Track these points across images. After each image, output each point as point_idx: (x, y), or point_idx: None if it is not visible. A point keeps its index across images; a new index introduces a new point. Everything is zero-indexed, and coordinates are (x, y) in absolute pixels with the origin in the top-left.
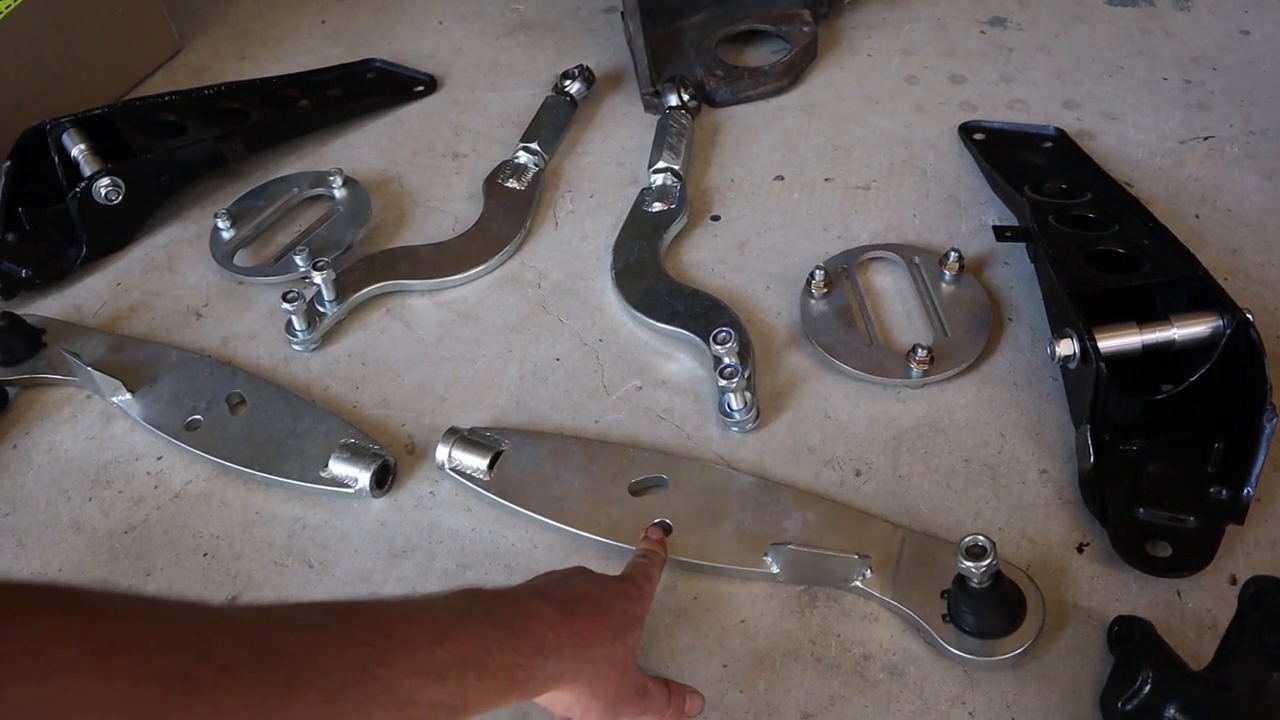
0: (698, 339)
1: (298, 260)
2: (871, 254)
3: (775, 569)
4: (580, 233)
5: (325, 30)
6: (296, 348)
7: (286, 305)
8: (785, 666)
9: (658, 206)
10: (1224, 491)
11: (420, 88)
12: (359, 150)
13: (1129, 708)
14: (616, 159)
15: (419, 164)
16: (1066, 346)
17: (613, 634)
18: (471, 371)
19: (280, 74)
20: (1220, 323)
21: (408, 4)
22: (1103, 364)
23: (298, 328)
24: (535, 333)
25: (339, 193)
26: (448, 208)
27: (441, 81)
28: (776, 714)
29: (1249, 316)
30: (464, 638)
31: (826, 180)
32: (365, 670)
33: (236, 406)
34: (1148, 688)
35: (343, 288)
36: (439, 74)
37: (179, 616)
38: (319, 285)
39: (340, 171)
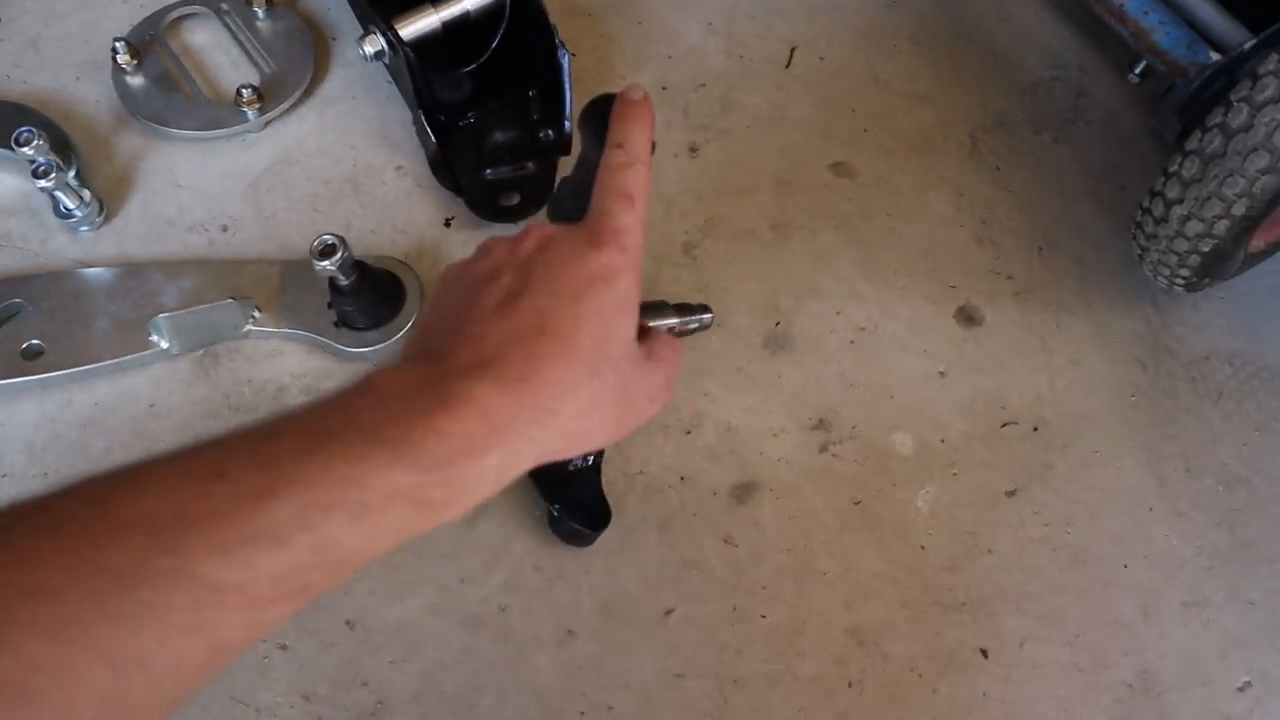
0: (9, 152)
1: None
2: (175, 13)
3: (164, 344)
4: None
5: None
6: None
7: None
8: (207, 429)
9: None
10: (549, 132)
11: None
12: None
13: None
14: None
15: None
16: (372, 43)
17: (587, 367)
18: None
19: None
20: None
21: None
22: (409, 50)
23: None
24: None
25: None
26: None
27: None
28: None
29: None
30: (314, 475)
31: None
32: (130, 572)
33: None
34: None
35: None
36: None
37: None
38: None
39: None
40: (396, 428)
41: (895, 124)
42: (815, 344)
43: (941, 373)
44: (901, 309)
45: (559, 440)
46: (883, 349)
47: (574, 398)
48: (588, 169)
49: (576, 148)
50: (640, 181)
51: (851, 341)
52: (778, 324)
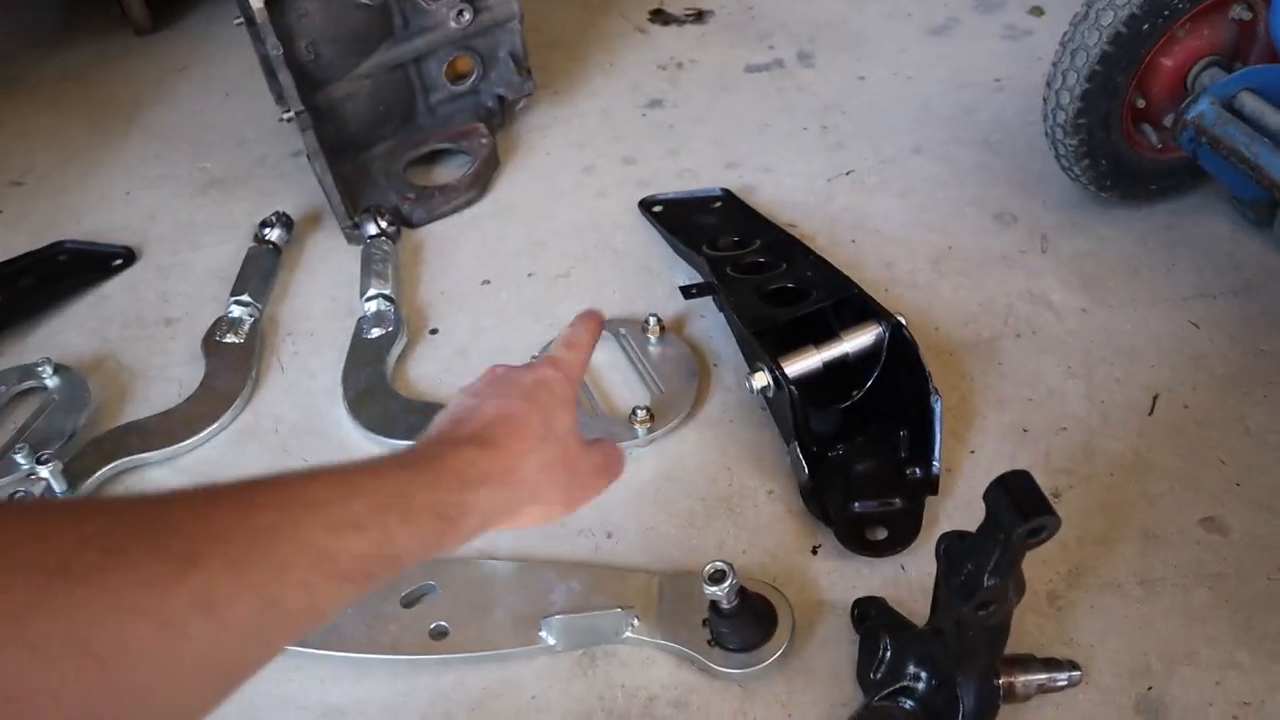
0: None
1: (19, 459)
2: None
3: (552, 640)
4: (308, 372)
5: (4, 220)
6: None
7: None
8: None
9: (376, 332)
10: (917, 471)
11: (118, 261)
12: (65, 335)
13: (879, 675)
14: (329, 294)
15: (131, 336)
16: (760, 379)
17: (536, 439)
18: None
19: None
20: (880, 329)
21: (91, 180)
22: (793, 387)
23: None
24: None
25: (51, 381)
26: (169, 374)
27: (140, 251)
28: None
29: (900, 320)
30: (377, 486)
31: (529, 275)
32: (272, 533)
33: None
34: (888, 653)
35: (75, 476)
36: (135, 244)
37: (49, 510)
38: (47, 479)
39: (48, 360)
40: (424, 463)
41: (1271, 479)
42: (1193, 716)
43: None
44: None
45: (525, 491)
46: None
47: (530, 458)
48: (984, 544)
49: (946, 488)
50: (581, 333)
51: (1235, 718)
52: (1150, 688)
